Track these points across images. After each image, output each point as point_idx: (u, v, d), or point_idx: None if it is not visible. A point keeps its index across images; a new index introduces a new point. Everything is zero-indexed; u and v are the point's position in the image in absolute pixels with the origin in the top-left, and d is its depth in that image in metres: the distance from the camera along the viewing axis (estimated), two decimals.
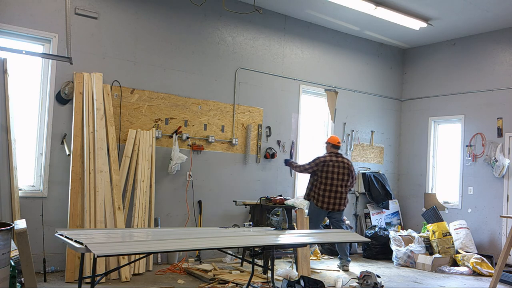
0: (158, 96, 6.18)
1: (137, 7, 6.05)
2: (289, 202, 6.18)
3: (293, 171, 7.32)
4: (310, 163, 6.44)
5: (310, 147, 7.76)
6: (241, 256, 5.75)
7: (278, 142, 7.32)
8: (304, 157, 7.50)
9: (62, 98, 5.44)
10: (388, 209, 8.38)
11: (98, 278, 4.18)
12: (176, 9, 6.37)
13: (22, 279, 3.62)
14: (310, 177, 6.48)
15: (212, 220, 6.57)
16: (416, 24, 7.34)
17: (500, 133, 7.45)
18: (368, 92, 8.51)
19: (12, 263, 3.49)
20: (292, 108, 7.52)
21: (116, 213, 5.40)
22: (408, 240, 7.08)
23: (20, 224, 3.73)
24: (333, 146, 6.52)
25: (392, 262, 6.99)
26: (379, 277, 5.34)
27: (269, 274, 5.13)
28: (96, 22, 5.73)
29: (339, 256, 6.47)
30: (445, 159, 8.39)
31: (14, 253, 3.73)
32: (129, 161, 5.74)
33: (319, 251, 7.14)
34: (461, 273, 6.46)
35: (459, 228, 7.32)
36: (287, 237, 4.51)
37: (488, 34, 7.75)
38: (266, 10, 7.15)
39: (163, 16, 6.26)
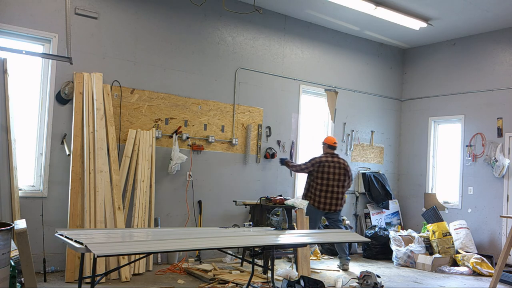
0: (158, 96, 6.18)
1: (137, 7, 6.05)
2: (289, 202, 6.19)
3: (293, 171, 7.32)
4: (306, 163, 6.49)
5: (310, 147, 7.76)
6: (241, 256, 5.76)
7: (278, 142, 7.32)
8: (304, 157, 7.49)
9: (62, 98, 5.44)
10: (388, 209, 8.38)
11: (98, 278, 4.18)
12: (176, 9, 6.37)
13: (22, 279, 3.62)
14: (307, 177, 6.54)
15: (212, 220, 6.57)
16: (416, 24, 7.34)
17: (500, 133, 7.45)
18: (368, 92, 8.51)
19: (12, 263, 3.49)
20: (292, 108, 7.52)
21: (116, 213, 5.40)
22: (408, 240, 7.08)
23: (20, 224, 3.73)
24: (329, 146, 6.58)
25: (392, 262, 6.99)
26: (379, 277, 5.34)
27: (269, 274, 5.13)
28: (96, 22, 5.73)
29: (338, 255, 6.48)
30: (445, 159, 8.39)
31: (14, 253, 3.73)
32: (129, 161, 5.74)
33: (319, 251, 7.14)
34: (461, 273, 6.46)
35: (459, 228, 7.32)
36: (287, 237, 4.51)
37: (488, 34, 7.75)
38: (266, 10, 7.15)
39: (163, 16, 6.26)
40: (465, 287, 5.84)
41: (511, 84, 7.41)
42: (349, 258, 6.46)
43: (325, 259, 7.07)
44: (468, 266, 6.57)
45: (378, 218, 8.31)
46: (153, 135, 5.98)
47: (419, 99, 8.74)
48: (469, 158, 7.79)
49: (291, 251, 6.01)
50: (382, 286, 5.28)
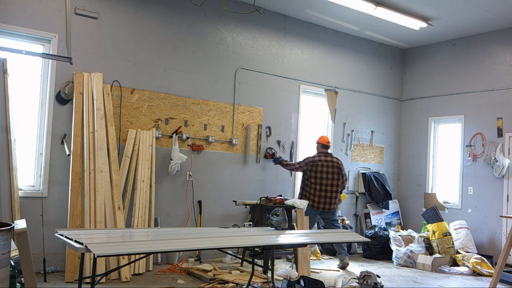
0: (158, 96, 6.18)
1: (137, 7, 6.05)
2: (289, 202, 6.18)
3: (293, 171, 7.34)
4: (300, 162, 6.62)
5: (310, 147, 7.75)
6: (241, 256, 5.76)
7: (278, 142, 7.32)
8: (304, 157, 7.47)
9: (62, 98, 5.44)
10: (388, 209, 8.38)
11: (98, 278, 4.18)
12: (176, 9, 6.37)
13: (22, 279, 3.62)
14: (302, 177, 6.65)
15: (212, 220, 6.57)
16: (416, 24, 7.34)
17: (500, 133, 7.45)
18: (368, 92, 8.51)
19: (12, 263, 3.49)
20: (292, 108, 7.52)
21: (116, 213, 5.40)
22: (408, 240, 7.08)
23: (20, 224, 3.73)
24: (323, 146, 6.65)
25: (392, 262, 6.99)
26: (379, 277, 5.34)
27: (269, 274, 5.12)
28: (96, 22, 5.73)
29: (337, 252, 6.51)
30: (445, 159, 8.39)
31: (14, 253, 3.73)
32: (129, 161, 5.74)
33: (319, 251, 7.14)
34: (461, 273, 6.46)
35: (459, 228, 7.32)
36: (287, 237, 4.51)
37: (488, 34, 7.75)
38: (266, 10, 7.15)
39: (163, 16, 6.26)
40: (465, 287, 5.84)
41: (511, 84, 7.41)
42: (348, 254, 6.52)
43: (325, 259, 7.07)
44: (468, 266, 6.57)
45: (378, 218, 8.31)
46: (153, 135, 5.98)
47: (419, 99, 8.74)
48: (469, 158, 7.79)
49: (291, 251, 6.01)
50: (382, 286, 5.28)
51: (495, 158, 7.37)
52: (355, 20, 7.50)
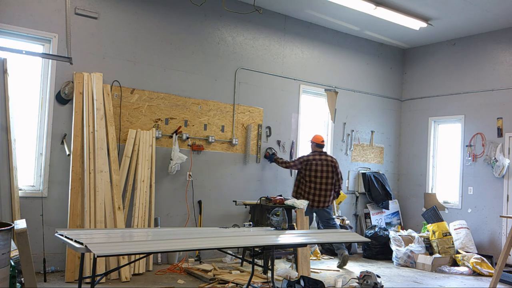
0: (158, 96, 6.18)
1: (137, 7, 6.05)
2: (289, 202, 6.18)
3: (293, 171, 7.34)
4: (294, 161, 6.76)
5: (310, 147, 7.74)
6: (241, 256, 5.76)
7: (278, 142, 7.32)
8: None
9: (62, 98, 5.44)
10: (388, 209, 8.38)
11: (98, 278, 4.18)
12: (176, 9, 6.37)
13: (22, 279, 3.62)
14: (297, 175, 6.76)
15: (212, 220, 6.57)
16: (416, 24, 7.34)
17: (500, 133, 7.45)
18: (368, 92, 8.51)
19: (12, 263, 3.49)
20: (292, 108, 7.52)
21: (116, 213, 5.40)
22: (408, 240, 7.08)
23: (20, 224, 3.73)
24: (317, 145, 6.74)
25: (392, 262, 6.99)
26: (379, 277, 5.34)
27: (269, 274, 5.13)
28: (96, 22, 5.73)
29: (336, 248, 6.54)
30: (445, 159, 8.39)
31: (14, 253, 3.73)
32: (129, 161, 5.74)
33: (319, 251, 7.14)
34: (461, 273, 6.46)
35: (459, 228, 7.32)
36: (287, 237, 4.51)
37: (488, 34, 7.75)
38: (266, 10, 7.15)
39: (163, 16, 6.26)
40: (465, 287, 5.84)
41: (511, 84, 7.42)
42: (347, 250, 6.57)
43: (325, 259, 7.07)
44: (468, 266, 6.57)
45: (378, 218, 8.31)
46: (153, 135, 5.98)
47: (419, 99, 8.74)
48: (469, 158, 7.79)
49: (291, 251, 6.01)
50: (382, 286, 5.28)
51: (495, 158, 7.37)
52: (355, 20, 7.50)
